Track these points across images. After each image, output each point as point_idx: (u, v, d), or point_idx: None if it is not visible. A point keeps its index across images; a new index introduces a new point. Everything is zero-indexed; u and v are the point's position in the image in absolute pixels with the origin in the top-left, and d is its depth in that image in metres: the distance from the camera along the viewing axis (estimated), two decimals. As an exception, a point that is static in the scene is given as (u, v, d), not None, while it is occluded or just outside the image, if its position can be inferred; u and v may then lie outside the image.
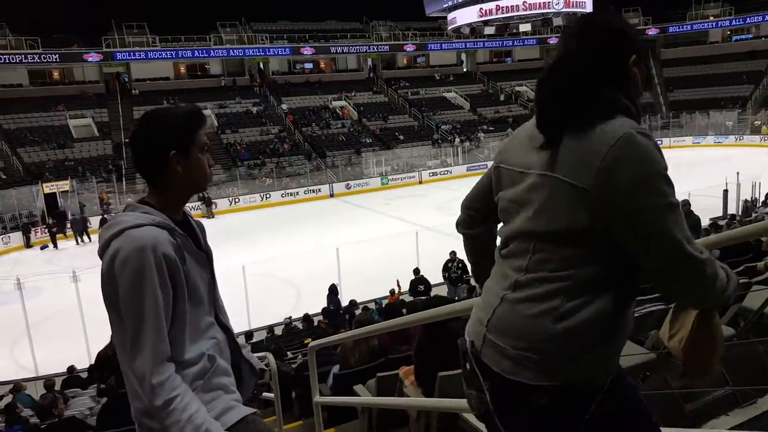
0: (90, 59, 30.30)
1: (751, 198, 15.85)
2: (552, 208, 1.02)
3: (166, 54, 32.55)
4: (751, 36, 41.44)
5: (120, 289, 1.22)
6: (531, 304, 1.04)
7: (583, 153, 0.98)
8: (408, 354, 3.60)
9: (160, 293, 1.22)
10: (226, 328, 1.47)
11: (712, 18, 41.20)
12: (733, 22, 40.64)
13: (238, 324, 9.43)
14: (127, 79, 32.74)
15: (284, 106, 33.47)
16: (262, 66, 36.90)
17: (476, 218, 1.34)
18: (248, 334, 10.21)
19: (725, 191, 16.25)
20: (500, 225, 1.22)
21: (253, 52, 35.15)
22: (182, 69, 35.75)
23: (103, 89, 31.95)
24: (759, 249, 3.97)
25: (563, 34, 1.15)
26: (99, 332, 9.25)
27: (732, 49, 40.74)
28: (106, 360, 6.52)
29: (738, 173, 16.17)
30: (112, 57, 30.80)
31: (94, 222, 21.37)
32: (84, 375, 8.28)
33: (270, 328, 10.68)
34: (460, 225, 1.38)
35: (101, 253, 1.28)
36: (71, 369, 8.47)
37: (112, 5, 30.74)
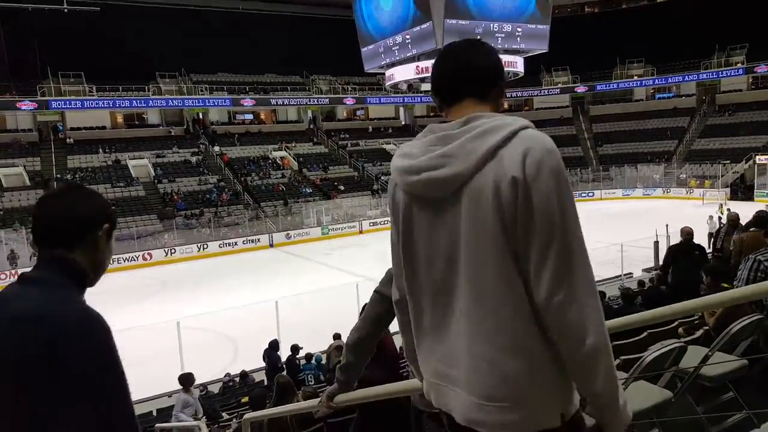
0: (23, 107, 32.42)
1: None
2: None
3: (103, 103, 35.14)
4: (672, 94, 48.38)
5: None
6: None
7: None
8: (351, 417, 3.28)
9: None
10: None
11: (636, 77, 47.85)
12: (656, 81, 47.30)
13: (171, 383, 10.35)
14: (61, 128, 34.99)
15: (217, 149, 36.25)
16: (201, 116, 40.05)
17: None
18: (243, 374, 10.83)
19: (656, 242, 18.01)
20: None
21: (192, 102, 38.23)
22: (119, 118, 38.41)
23: (36, 138, 34.04)
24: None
25: None
26: None
27: (656, 106, 47.29)
28: None
29: (667, 225, 18.19)
30: (46, 105, 33.00)
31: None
32: None
33: (204, 387, 10.76)
34: None
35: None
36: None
37: (47, 53, 33.17)
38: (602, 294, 8.59)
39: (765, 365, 3.46)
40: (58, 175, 30.49)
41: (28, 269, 1.29)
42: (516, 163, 1.11)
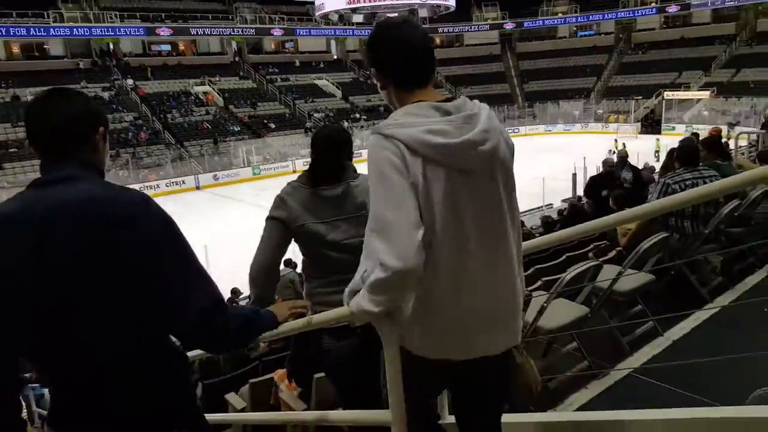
0: None
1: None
2: None
3: (-5, 31, 31.40)
4: (593, 32, 49.68)
5: None
6: None
7: None
8: (286, 354, 3.38)
9: None
10: None
11: (560, 15, 48.59)
12: (579, 20, 48.37)
13: None
14: (-54, 59, 31.11)
15: (131, 82, 33.60)
16: (112, 47, 36.78)
17: None
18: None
19: (574, 175, 18.98)
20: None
21: (101, 31, 34.82)
22: (15, 49, 34.47)
23: None
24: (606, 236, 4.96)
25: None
26: None
27: (578, 44, 48.51)
28: None
29: (584, 158, 19.28)
30: (-75, 31, 29.14)
31: None
32: None
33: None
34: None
35: None
36: None
37: None
38: (522, 223, 8.98)
39: (668, 279, 3.77)
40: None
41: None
42: (508, 137, 1.45)
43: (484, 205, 1.36)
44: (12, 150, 26.56)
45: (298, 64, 43.33)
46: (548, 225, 6.86)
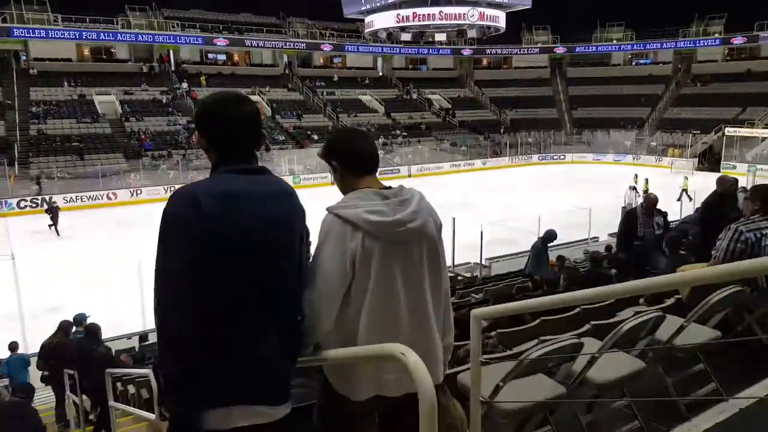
0: (-19, 32, 30.32)
1: None
2: None
3: (69, 34, 33.07)
4: (650, 61, 48.34)
5: None
6: None
7: None
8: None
9: None
10: None
11: (615, 41, 47.53)
12: (634, 47, 47.20)
13: (134, 324, 10.52)
14: (24, 57, 32.87)
15: (185, 85, 34.61)
16: (171, 54, 38.16)
17: None
18: (143, 336, 10.48)
19: (623, 208, 18.06)
20: None
21: (163, 38, 36.37)
22: (86, 51, 36.26)
23: (-4, 66, 31.97)
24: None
25: None
26: None
27: (632, 72, 47.25)
28: (51, 349, 7.12)
29: (636, 189, 18.55)
30: (8, 33, 30.90)
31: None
32: None
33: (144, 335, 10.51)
34: None
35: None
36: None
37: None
38: (561, 258, 8.56)
39: (736, 337, 3.38)
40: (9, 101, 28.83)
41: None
42: (437, 217, 1.74)
43: (409, 267, 1.66)
44: (75, 144, 27.76)
45: (336, 78, 43.71)
46: (596, 261, 6.46)
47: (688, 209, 17.55)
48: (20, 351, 8.19)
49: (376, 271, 1.61)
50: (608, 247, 11.13)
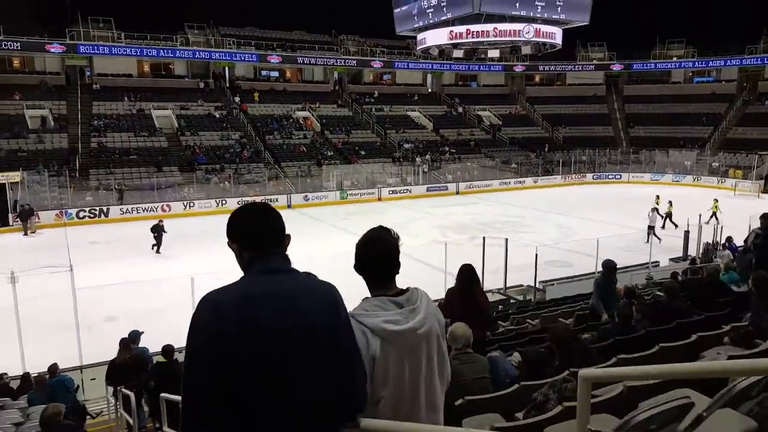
0: (52, 50, 32.20)
1: (713, 242, 16.50)
2: None
3: (131, 51, 34.72)
4: (712, 79, 46.32)
5: None
6: None
7: None
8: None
9: None
10: None
11: (675, 59, 45.81)
12: (696, 65, 45.31)
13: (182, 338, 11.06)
14: (89, 73, 34.68)
15: (237, 99, 35.73)
16: (227, 70, 39.40)
17: None
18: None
19: (686, 232, 17.22)
20: None
21: (219, 56, 37.60)
22: (146, 67, 37.97)
23: (63, 81, 33.88)
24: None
25: None
26: (34, 337, 10.33)
27: (693, 90, 45.41)
28: (119, 369, 7.20)
29: (700, 215, 17.74)
30: (75, 49, 32.74)
31: (44, 216, 23.22)
32: (16, 383, 8.40)
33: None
34: None
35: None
36: (1, 377, 8.34)
37: (78, -3, 32.75)
38: (631, 292, 7.97)
39: None
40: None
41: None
42: (440, 317, 2.05)
43: (419, 365, 1.94)
44: (132, 157, 28.90)
45: (376, 95, 43.63)
46: (671, 291, 5.97)
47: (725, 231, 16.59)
48: (74, 362, 8.24)
49: (393, 370, 1.89)
50: (674, 274, 10.46)
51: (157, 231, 18.88)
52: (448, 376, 2.11)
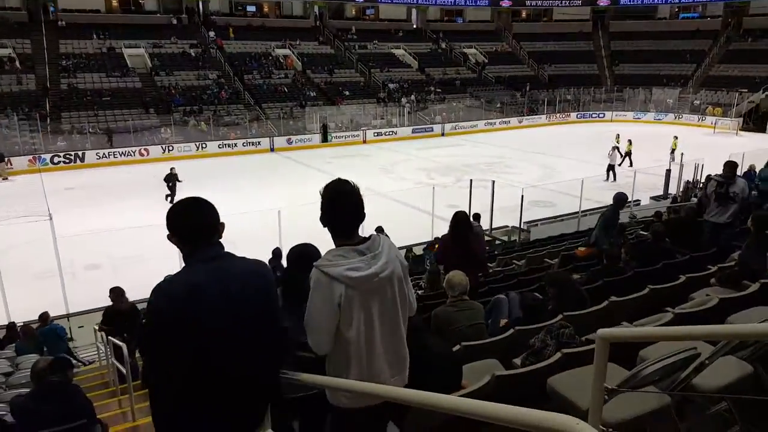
0: (10, -17, 30.10)
1: (693, 180, 16.58)
2: None
3: (96, -17, 32.60)
4: (697, 15, 45.46)
5: None
6: None
7: None
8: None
9: None
10: None
11: (662, -7, 44.68)
12: (683, 0, 44.37)
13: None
14: (53, 9, 32.63)
15: (212, 34, 34.08)
16: (201, 4, 37.39)
17: None
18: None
19: (668, 171, 17.36)
20: None
21: (192, -12, 35.53)
22: (114, 2, 35.78)
23: (25, 17, 31.75)
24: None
25: None
26: (16, 286, 10.19)
27: (679, 26, 44.58)
28: (124, 314, 6.95)
29: (682, 154, 17.76)
30: (35, -18, 30.66)
31: (16, 162, 22.48)
32: (0, 333, 8.37)
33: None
34: None
35: None
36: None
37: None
38: (622, 227, 8.08)
39: None
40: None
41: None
42: (403, 259, 2.20)
43: (385, 307, 2.10)
44: (105, 98, 27.74)
45: (353, 30, 42.14)
46: (657, 234, 5.99)
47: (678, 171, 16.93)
48: (61, 309, 8.16)
49: (357, 313, 2.04)
50: (658, 214, 10.58)
51: (171, 180, 17.32)
52: (412, 309, 2.27)
